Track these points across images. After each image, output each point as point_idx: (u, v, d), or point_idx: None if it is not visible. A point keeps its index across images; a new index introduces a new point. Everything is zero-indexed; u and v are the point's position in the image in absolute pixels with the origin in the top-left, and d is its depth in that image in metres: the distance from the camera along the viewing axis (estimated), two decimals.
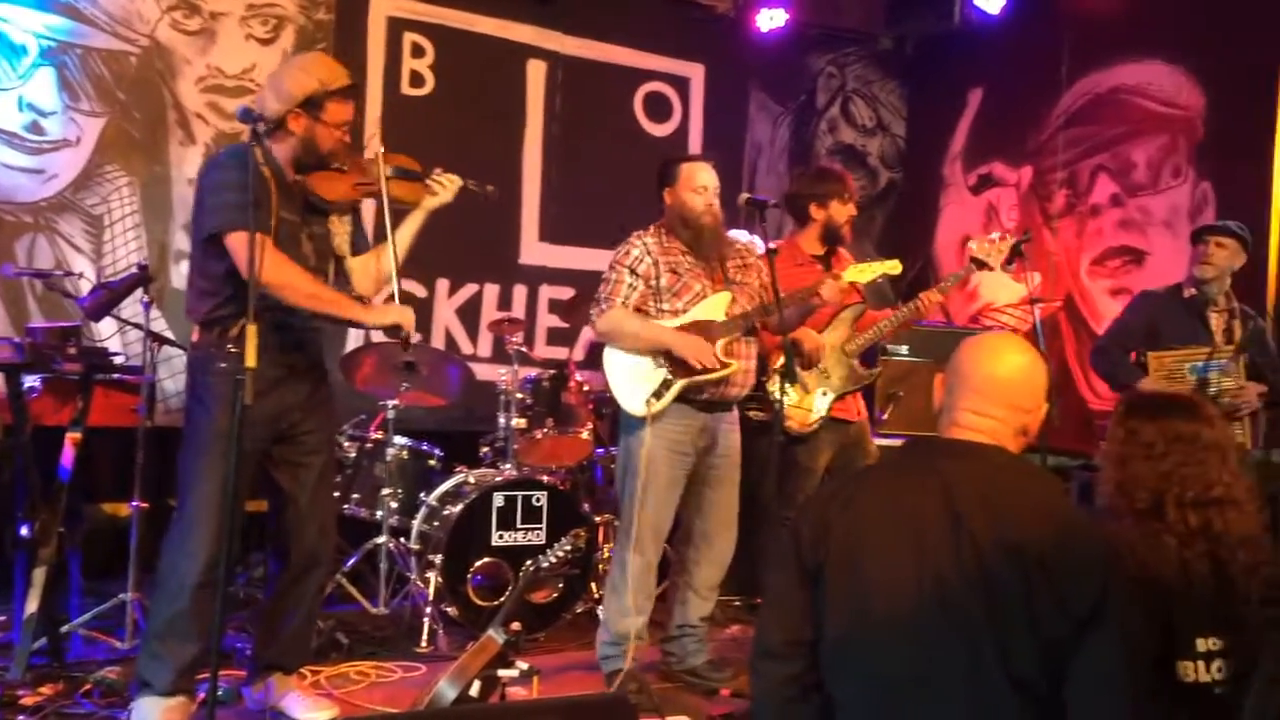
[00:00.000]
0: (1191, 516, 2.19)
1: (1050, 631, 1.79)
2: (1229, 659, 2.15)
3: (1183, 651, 2.14)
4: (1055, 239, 6.45)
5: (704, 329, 3.84)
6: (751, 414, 4.58)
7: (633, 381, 3.85)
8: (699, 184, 3.90)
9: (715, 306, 3.88)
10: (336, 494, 4.61)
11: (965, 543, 1.85)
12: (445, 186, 3.47)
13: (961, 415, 2.03)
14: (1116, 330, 4.72)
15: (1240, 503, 2.23)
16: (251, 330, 2.73)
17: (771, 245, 3.86)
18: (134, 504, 4.12)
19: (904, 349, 5.40)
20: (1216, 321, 4.46)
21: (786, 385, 3.88)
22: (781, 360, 3.80)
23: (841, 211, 4.30)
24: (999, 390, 2.02)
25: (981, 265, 4.10)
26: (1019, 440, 2.04)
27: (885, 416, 5.21)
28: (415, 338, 3.26)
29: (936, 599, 1.85)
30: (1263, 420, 4.43)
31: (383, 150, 3.38)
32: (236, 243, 3.07)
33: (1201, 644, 2.14)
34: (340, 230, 3.43)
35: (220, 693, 3.20)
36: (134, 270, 4.25)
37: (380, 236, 3.42)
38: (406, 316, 3.26)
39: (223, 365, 3.17)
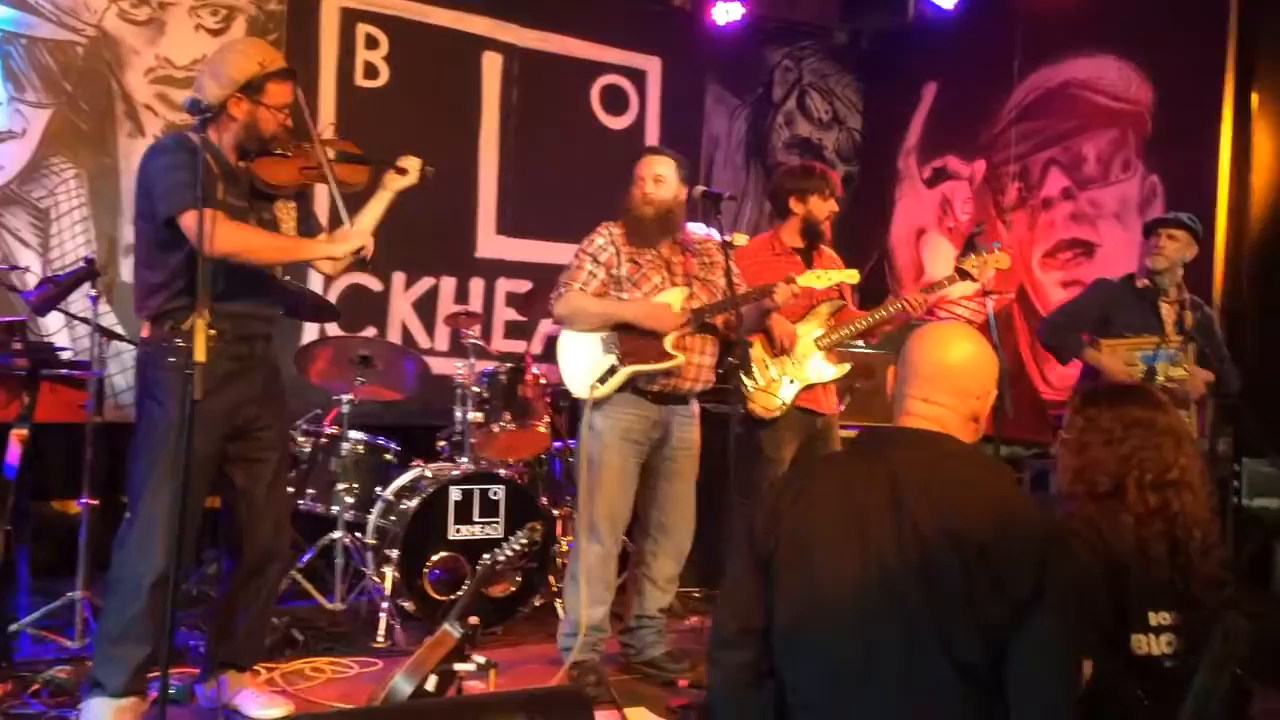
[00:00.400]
0: (1151, 497, 2.26)
1: (989, 616, 1.82)
2: (1179, 634, 2.20)
3: (1135, 625, 2.19)
4: (1008, 232, 6.51)
5: None
6: (711, 406, 4.60)
7: (581, 367, 3.89)
8: (638, 174, 3.95)
9: (671, 300, 3.89)
10: (291, 489, 4.56)
11: (907, 530, 1.88)
12: (409, 170, 3.47)
13: (911, 404, 2.06)
14: (1069, 308, 4.80)
15: (1195, 486, 2.30)
16: (200, 324, 2.70)
17: (727, 238, 3.88)
18: (83, 501, 4.06)
19: (860, 340, 5.44)
20: (1167, 312, 4.53)
21: (753, 371, 4.04)
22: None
23: (821, 207, 4.32)
24: (947, 377, 2.05)
25: (965, 276, 4.12)
26: (971, 427, 2.07)
27: (842, 407, 5.24)
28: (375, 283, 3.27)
29: (880, 587, 1.87)
30: (1209, 409, 4.51)
31: (318, 135, 3.35)
32: (191, 221, 3.03)
33: (1153, 618, 2.20)
34: (287, 216, 3.41)
35: (172, 691, 3.17)
36: (81, 264, 4.18)
37: (336, 222, 3.40)
38: (366, 238, 3.28)
39: (174, 360, 3.13)
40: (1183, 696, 2.08)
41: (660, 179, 3.92)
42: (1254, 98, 5.38)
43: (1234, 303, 5.32)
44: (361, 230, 3.30)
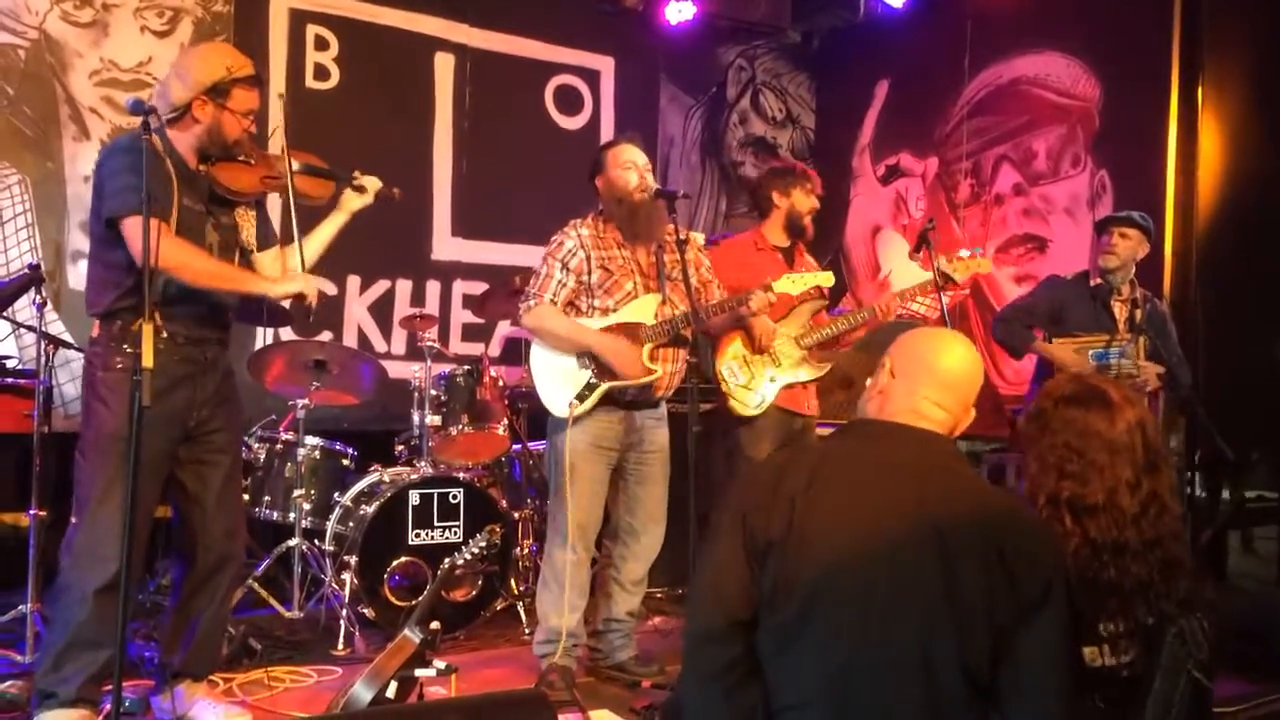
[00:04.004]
0: (1066, 516, 2.14)
1: (1002, 618, 1.81)
2: (1133, 641, 2.17)
3: (1087, 637, 2.16)
4: (961, 228, 6.58)
5: (632, 331, 3.80)
6: (674, 409, 4.59)
7: (557, 382, 3.80)
8: (626, 160, 3.86)
9: (645, 308, 3.82)
10: (247, 497, 4.51)
11: (930, 531, 1.84)
12: (370, 185, 3.44)
13: (922, 404, 2.04)
14: (1020, 305, 4.85)
15: (1122, 510, 2.13)
16: (148, 329, 2.65)
17: (682, 237, 3.84)
18: (32, 512, 3.97)
19: (836, 344, 5.41)
20: (1120, 310, 4.58)
21: (734, 367, 4.11)
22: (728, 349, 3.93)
23: (804, 201, 4.34)
24: (962, 387, 2.06)
25: (947, 280, 4.10)
26: (957, 424, 2.09)
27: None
28: (329, 286, 3.19)
29: (899, 583, 1.84)
30: (1161, 402, 4.57)
31: (286, 145, 3.30)
32: (132, 229, 2.98)
33: (1104, 628, 2.16)
34: (246, 223, 3.36)
35: (127, 703, 3.12)
36: (25, 270, 4.10)
37: (290, 233, 3.35)
38: (309, 285, 3.19)
39: (121, 364, 3.08)
40: (1140, 702, 2.07)
41: (649, 168, 3.88)
42: (1199, 93, 5.46)
43: (1182, 296, 5.40)
44: (305, 275, 3.21)
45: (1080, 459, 2.15)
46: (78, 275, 5.09)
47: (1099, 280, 4.61)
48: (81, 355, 3.87)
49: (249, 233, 3.38)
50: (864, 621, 1.84)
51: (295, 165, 3.29)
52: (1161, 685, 2.03)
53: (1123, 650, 2.14)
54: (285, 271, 3.43)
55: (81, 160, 5.18)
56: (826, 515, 1.91)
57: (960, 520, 1.85)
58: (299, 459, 4.61)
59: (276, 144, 3.33)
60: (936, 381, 2.06)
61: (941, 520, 1.85)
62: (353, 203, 3.45)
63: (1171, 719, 2.02)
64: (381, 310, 6.07)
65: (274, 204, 3.76)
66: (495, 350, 6.08)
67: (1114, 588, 2.12)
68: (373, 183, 3.47)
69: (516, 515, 4.88)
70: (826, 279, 4.05)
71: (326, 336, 5.73)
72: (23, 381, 4.10)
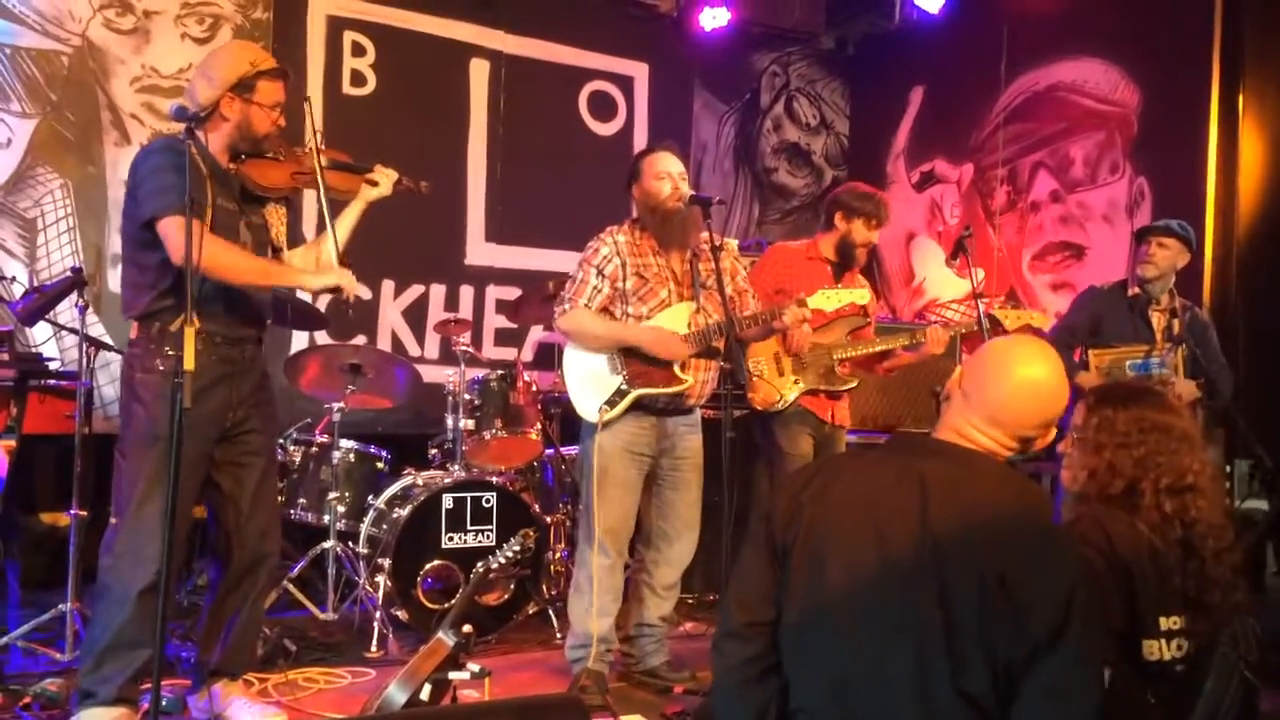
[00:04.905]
0: (1168, 503, 2.21)
1: (1005, 651, 1.74)
2: (1189, 638, 2.18)
3: (1147, 630, 2.17)
4: (997, 235, 6.53)
5: None
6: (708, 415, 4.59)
7: (589, 387, 3.81)
8: (660, 170, 3.86)
9: (678, 317, 3.82)
10: (282, 499, 4.55)
11: (928, 546, 1.81)
12: (386, 178, 3.46)
13: (969, 429, 1.97)
14: (1062, 328, 4.80)
15: (1208, 491, 2.26)
16: (189, 331, 2.67)
17: (717, 244, 3.83)
18: (72, 512, 4.02)
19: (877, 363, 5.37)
20: (1158, 320, 4.53)
21: (761, 362, 4.15)
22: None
23: (862, 233, 4.32)
24: (1014, 424, 1.97)
25: (996, 324, 4.08)
26: (1011, 450, 2.00)
27: None
28: (364, 291, 3.19)
29: (894, 600, 1.81)
30: (1200, 414, 4.52)
31: (317, 144, 3.34)
32: (169, 228, 3.01)
33: (1164, 622, 2.17)
34: (277, 221, 3.40)
35: (164, 703, 3.15)
36: (68, 274, 4.16)
37: (320, 228, 3.38)
38: (347, 278, 3.20)
39: (161, 366, 3.12)
40: (1191, 700, 2.06)
41: (683, 176, 3.89)
42: (1240, 98, 5.40)
43: (1222, 303, 5.34)
44: (341, 270, 3.23)
45: (1164, 450, 2.26)
46: (118, 278, 5.14)
47: (1137, 290, 4.57)
48: (120, 357, 3.92)
49: (279, 230, 3.41)
50: (861, 635, 1.83)
51: (323, 160, 3.32)
52: (1214, 686, 2.03)
53: (1178, 646, 2.16)
54: (317, 262, 3.46)
55: (122, 165, 5.21)
56: (831, 525, 1.90)
57: (965, 543, 1.79)
58: (334, 462, 4.65)
59: (306, 141, 3.36)
60: (988, 410, 1.96)
61: (945, 541, 1.80)
62: (368, 193, 3.46)
63: (1223, 715, 2.01)
64: (415, 315, 6.11)
65: (306, 203, 3.79)
66: (528, 355, 6.10)
67: (1186, 574, 2.17)
68: (388, 175, 3.47)
69: (549, 520, 4.89)
70: (862, 296, 4.04)
71: (361, 340, 5.77)
72: (64, 383, 4.15)
